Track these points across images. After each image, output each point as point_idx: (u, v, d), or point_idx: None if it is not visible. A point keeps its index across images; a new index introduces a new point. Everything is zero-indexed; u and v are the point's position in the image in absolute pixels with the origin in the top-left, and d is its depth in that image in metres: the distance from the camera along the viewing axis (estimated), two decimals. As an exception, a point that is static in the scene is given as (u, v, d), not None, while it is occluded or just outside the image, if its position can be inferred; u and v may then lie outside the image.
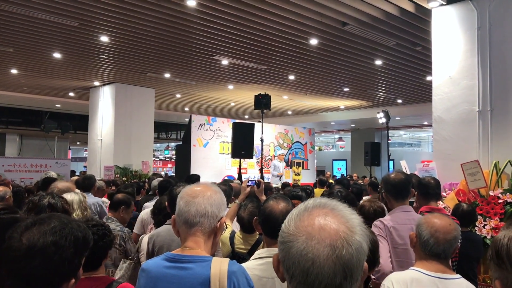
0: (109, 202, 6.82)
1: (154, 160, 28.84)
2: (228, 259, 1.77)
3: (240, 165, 11.15)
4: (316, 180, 11.58)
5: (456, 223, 3.63)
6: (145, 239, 3.53)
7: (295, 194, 4.43)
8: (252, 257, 2.31)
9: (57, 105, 18.26)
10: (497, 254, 0.97)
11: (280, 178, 13.84)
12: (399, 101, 16.29)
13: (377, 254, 2.00)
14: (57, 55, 10.70)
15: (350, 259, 0.97)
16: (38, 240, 1.33)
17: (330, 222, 1.00)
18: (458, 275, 2.33)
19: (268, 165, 15.64)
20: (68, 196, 3.37)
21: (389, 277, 2.32)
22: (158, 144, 32.95)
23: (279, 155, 15.23)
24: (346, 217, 1.02)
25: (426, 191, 3.67)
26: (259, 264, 2.20)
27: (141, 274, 1.82)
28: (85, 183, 6.07)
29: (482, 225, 4.99)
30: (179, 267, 1.72)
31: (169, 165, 31.58)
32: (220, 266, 1.69)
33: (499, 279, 0.96)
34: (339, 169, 24.83)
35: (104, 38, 9.27)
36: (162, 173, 22.27)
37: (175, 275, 1.71)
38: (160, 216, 3.75)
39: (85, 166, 22.60)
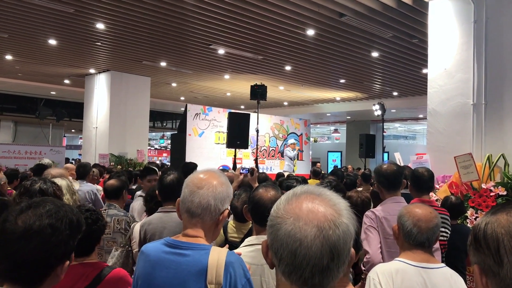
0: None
1: (149, 149, 28.79)
2: (226, 249, 1.77)
3: (235, 155, 11.15)
4: (310, 171, 11.61)
5: (446, 215, 3.68)
6: (136, 227, 3.54)
7: (289, 185, 4.42)
8: (242, 245, 2.33)
9: (52, 92, 18.15)
10: (475, 238, 1.00)
11: (293, 161, 13.80)
12: (395, 93, 16.31)
13: (359, 239, 2.02)
14: (52, 42, 10.62)
15: (337, 240, 0.99)
16: (35, 223, 1.34)
17: (318, 205, 1.02)
18: (442, 264, 2.37)
19: (263, 155, 15.72)
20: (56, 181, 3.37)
21: (375, 269, 2.35)
22: (153, 133, 32.88)
23: (291, 144, 15.04)
24: (334, 201, 1.05)
25: (419, 183, 3.67)
26: (248, 251, 2.22)
27: (140, 256, 1.83)
28: (80, 171, 6.07)
29: (474, 217, 5.03)
30: (177, 253, 1.73)
31: (164, 154, 31.54)
32: (218, 255, 1.69)
33: (477, 263, 0.99)
34: (334, 161, 24.87)
35: (100, 25, 9.20)
36: (158, 162, 22.25)
37: (174, 261, 1.71)
38: (152, 204, 3.75)
39: (80, 154, 22.57)
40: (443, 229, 3.42)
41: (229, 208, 1.87)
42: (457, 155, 5.45)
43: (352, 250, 1.05)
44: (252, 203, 2.37)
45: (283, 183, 4.78)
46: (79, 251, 2.32)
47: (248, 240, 2.33)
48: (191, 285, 1.66)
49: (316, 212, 1.01)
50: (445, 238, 3.53)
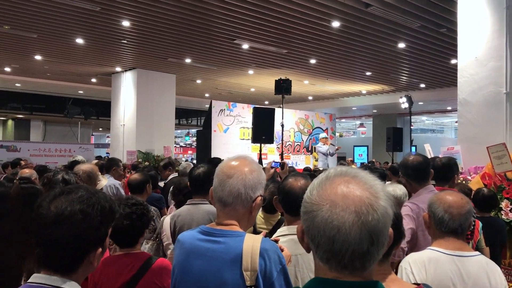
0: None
1: (175, 146, 29.05)
2: (261, 236, 1.74)
3: (260, 151, 11.13)
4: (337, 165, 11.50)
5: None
6: (167, 220, 3.58)
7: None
8: (274, 235, 2.30)
9: (79, 92, 18.50)
10: None
11: (328, 157, 13.50)
12: (422, 85, 16.00)
13: (401, 227, 1.96)
14: (79, 41, 10.80)
15: (376, 224, 0.97)
16: (66, 208, 1.36)
17: (353, 189, 1.00)
18: (477, 252, 2.29)
19: (288, 150, 15.66)
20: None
21: (406, 258, 2.29)
22: (178, 131, 33.14)
23: (322, 138, 14.60)
24: (369, 183, 1.02)
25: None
26: (281, 242, 2.18)
27: (177, 244, 1.84)
28: (107, 164, 6.23)
29: (508, 208, 4.88)
30: (212, 240, 1.71)
31: (190, 152, 31.80)
32: (253, 242, 1.67)
33: None
34: (360, 156, 24.61)
35: (126, 23, 9.31)
36: (183, 159, 22.43)
37: (208, 249, 1.70)
38: (180, 196, 3.80)
39: (107, 153, 22.94)
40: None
41: (262, 195, 1.83)
42: (490, 145, 5.29)
43: (391, 230, 1.03)
44: (283, 193, 2.34)
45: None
46: (124, 242, 2.42)
47: (280, 231, 2.31)
48: (226, 273, 1.64)
49: (352, 196, 0.99)
50: None
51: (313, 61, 12.45)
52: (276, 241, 1.92)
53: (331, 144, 14.26)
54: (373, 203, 0.98)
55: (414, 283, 2.05)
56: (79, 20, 9.16)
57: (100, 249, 1.42)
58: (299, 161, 15.96)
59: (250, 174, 1.78)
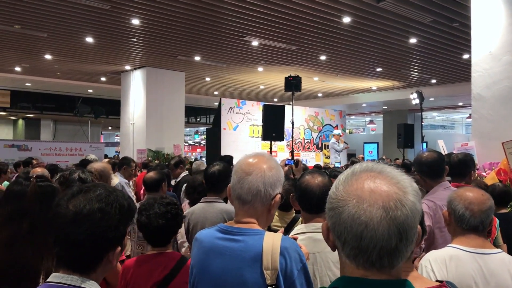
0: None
1: (184, 144, 29.10)
2: (281, 234, 1.71)
3: (270, 148, 11.09)
4: (347, 163, 11.41)
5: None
6: (181, 217, 3.57)
7: (335, 174, 4.34)
8: (292, 233, 2.27)
9: (89, 90, 18.58)
10: None
11: (339, 154, 13.41)
12: (433, 81, 15.87)
13: (424, 224, 1.92)
14: (89, 40, 10.82)
15: (405, 220, 0.94)
16: (85, 207, 1.34)
17: (380, 184, 0.97)
18: (499, 250, 2.24)
19: (298, 148, 15.60)
20: None
21: (426, 256, 2.25)
22: (187, 129, 33.21)
23: (336, 135, 14.43)
24: (397, 178, 0.99)
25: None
26: (299, 240, 2.15)
27: (194, 243, 1.81)
28: (118, 162, 6.28)
29: (525, 205, 4.80)
30: (231, 239, 1.68)
31: (198, 150, 31.84)
32: (273, 241, 1.64)
33: None
34: (370, 152, 24.50)
35: (135, 21, 9.31)
36: (192, 157, 22.46)
37: (227, 247, 1.67)
38: (194, 195, 3.78)
39: (116, 151, 23.04)
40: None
41: (281, 193, 1.79)
42: (505, 141, 5.22)
43: (419, 227, 1.00)
44: (300, 190, 2.30)
45: (331, 173, 4.71)
46: (157, 241, 2.44)
47: (297, 229, 2.27)
48: (246, 272, 1.61)
49: (379, 192, 0.96)
50: None
51: (323, 57, 12.38)
52: (295, 239, 1.89)
53: (344, 142, 14.18)
54: (401, 198, 0.95)
55: (437, 281, 2.01)
56: (89, 18, 9.18)
57: (119, 248, 1.40)
58: (309, 158, 15.91)
59: (269, 171, 1.75)
